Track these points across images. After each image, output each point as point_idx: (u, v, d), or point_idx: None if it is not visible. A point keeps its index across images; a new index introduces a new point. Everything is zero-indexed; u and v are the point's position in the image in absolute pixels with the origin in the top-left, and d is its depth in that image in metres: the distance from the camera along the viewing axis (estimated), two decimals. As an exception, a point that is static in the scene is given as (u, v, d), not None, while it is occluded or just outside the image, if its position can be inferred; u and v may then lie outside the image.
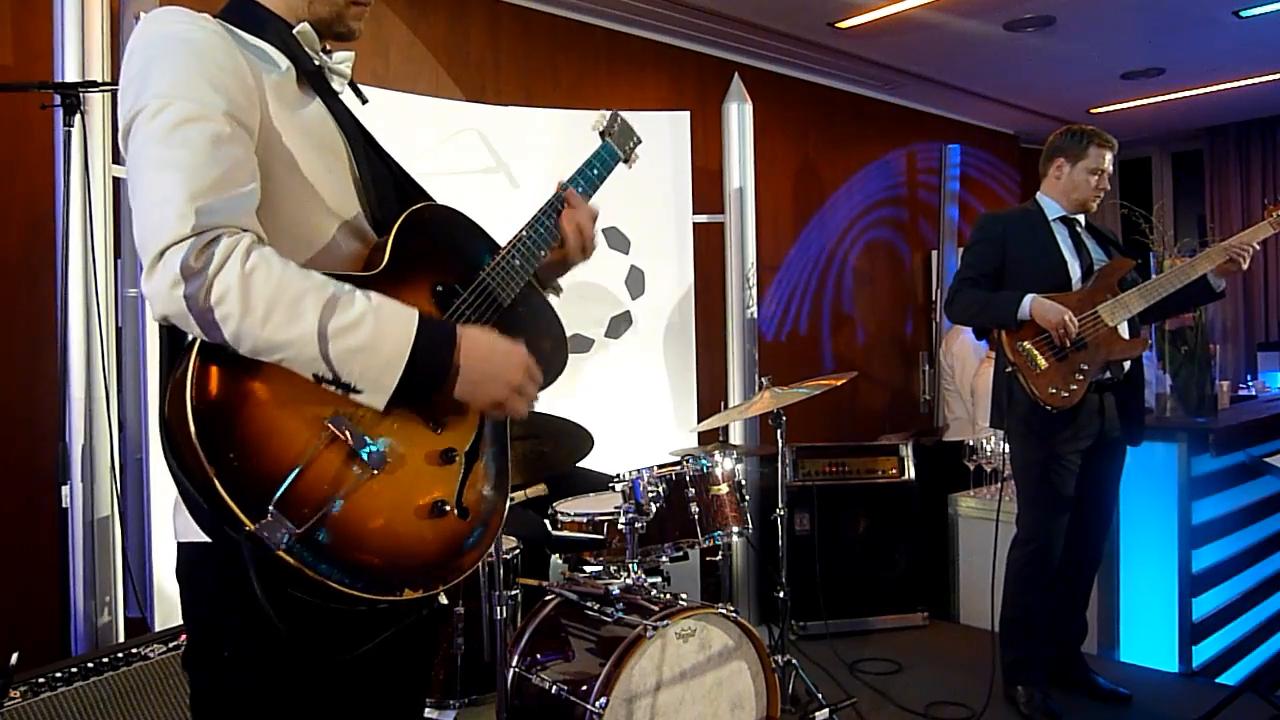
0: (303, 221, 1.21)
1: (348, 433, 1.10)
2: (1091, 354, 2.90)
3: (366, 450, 1.11)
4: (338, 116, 1.29)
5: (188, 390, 1.03)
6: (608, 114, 1.64)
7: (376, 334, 1.10)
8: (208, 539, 1.10)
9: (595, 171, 1.57)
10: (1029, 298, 2.89)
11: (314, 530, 1.05)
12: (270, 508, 1.02)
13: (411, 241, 1.26)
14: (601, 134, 1.62)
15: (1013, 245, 3.05)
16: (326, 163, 1.25)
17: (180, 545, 1.19)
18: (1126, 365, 3.00)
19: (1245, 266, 2.94)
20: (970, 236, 3.18)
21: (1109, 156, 3.05)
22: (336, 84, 1.33)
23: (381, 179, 1.34)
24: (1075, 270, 3.01)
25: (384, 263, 1.21)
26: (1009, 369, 2.91)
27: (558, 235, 1.43)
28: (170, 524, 1.20)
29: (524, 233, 1.40)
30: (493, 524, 1.27)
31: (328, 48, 1.35)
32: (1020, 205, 3.21)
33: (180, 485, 1.06)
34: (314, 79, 1.28)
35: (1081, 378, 2.88)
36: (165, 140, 1.08)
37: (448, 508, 1.19)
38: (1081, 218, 3.12)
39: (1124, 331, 2.98)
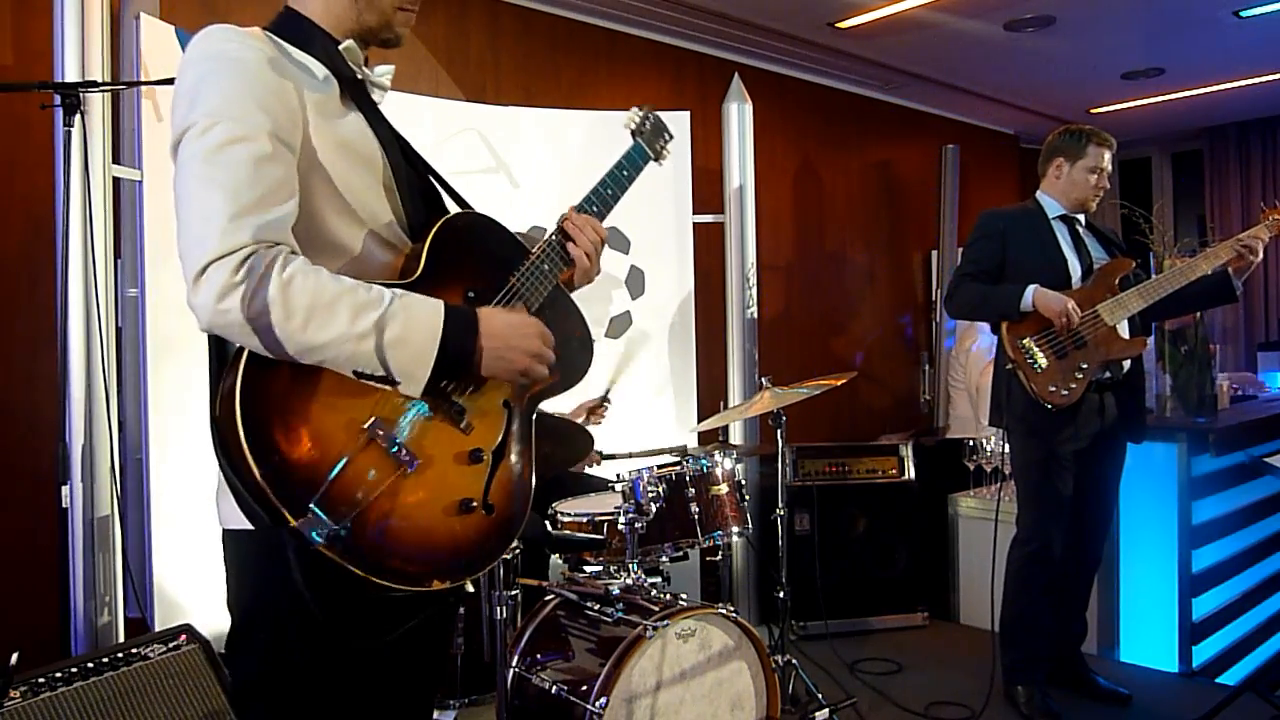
0: (338, 230, 1.29)
1: (383, 435, 1.19)
2: (1091, 353, 2.90)
3: (400, 452, 1.20)
4: (376, 128, 1.36)
5: (237, 397, 1.12)
6: (640, 112, 1.63)
7: (407, 328, 1.19)
8: (249, 526, 1.19)
9: (625, 173, 1.57)
10: (1031, 288, 2.90)
11: (350, 526, 1.13)
12: (311, 505, 1.11)
13: (445, 249, 1.33)
14: (633, 133, 1.61)
15: (1013, 243, 3.05)
16: (360, 174, 1.32)
17: (225, 532, 1.28)
18: (1126, 365, 3.01)
19: (1258, 259, 2.92)
20: (971, 233, 3.18)
21: (1108, 155, 3.06)
22: (376, 95, 1.40)
23: (414, 186, 1.41)
24: (1075, 269, 3.01)
25: (419, 270, 1.29)
26: (1009, 366, 2.92)
27: (569, 255, 1.47)
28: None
29: (552, 237, 1.45)
30: (517, 518, 1.35)
31: (368, 60, 1.40)
32: (1020, 204, 3.21)
33: (229, 480, 1.16)
34: (355, 92, 1.35)
35: (1081, 376, 2.88)
36: (211, 159, 1.15)
37: (474, 504, 1.28)
38: (1081, 217, 3.12)
39: (1124, 331, 2.99)
